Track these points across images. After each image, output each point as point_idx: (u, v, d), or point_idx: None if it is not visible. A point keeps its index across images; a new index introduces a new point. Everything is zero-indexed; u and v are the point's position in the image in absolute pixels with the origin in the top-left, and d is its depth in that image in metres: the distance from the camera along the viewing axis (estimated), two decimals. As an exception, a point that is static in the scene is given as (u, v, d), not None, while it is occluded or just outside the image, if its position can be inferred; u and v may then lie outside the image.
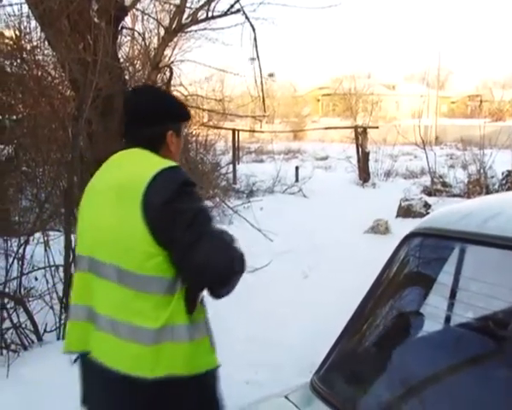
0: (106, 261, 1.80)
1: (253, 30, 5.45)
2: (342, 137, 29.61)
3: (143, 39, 5.40)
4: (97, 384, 1.86)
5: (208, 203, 10.38)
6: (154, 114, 1.97)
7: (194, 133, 8.77)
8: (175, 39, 5.27)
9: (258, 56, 5.50)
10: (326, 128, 21.45)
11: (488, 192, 10.03)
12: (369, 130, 16.89)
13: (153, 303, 1.74)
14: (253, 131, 15.73)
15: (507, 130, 28.13)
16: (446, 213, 1.83)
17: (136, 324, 1.74)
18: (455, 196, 10.79)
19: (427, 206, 9.84)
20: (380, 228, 8.52)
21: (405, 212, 9.74)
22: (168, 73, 5.37)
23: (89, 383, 1.92)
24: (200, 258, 1.71)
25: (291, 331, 4.73)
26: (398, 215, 9.65)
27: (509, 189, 9.47)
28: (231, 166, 13.26)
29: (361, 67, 49.21)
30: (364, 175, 15.54)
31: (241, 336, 4.72)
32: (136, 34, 5.39)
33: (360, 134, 16.34)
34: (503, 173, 9.94)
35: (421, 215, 9.52)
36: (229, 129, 13.52)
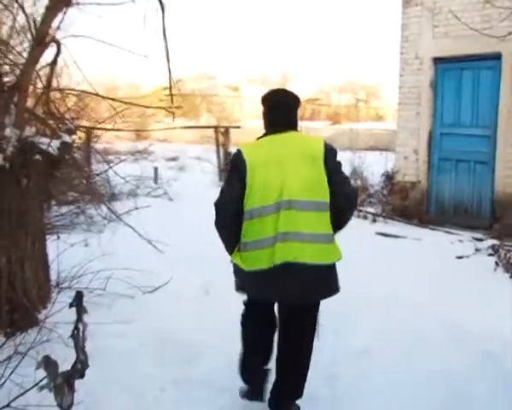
0: (305, 199, 2.96)
1: (162, 9, 4.54)
2: (195, 137, 28.98)
3: (23, 9, 4.23)
4: (299, 276, 2.95)
5: (71, 208, 9.09)
6: (297, 106, 3.27)
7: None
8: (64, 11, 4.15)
9: (166, 39, 4.59)
10: (186, 128, 20.66)
11: (370, 194, 9.99)
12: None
13: (327, 218, 3.03)
14: (117, 130, 14.21)
15: (347, 132, 29.71)
16: None
17: (325, 232, 3.03)
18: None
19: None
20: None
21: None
22: (55, 50, 4.29)
23: (287, 279, 2.93)
24: (349, 188, 3.19)
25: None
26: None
27: (390, 191, 9.44)
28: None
29: (205, 68, 48.92)
30: (228, 177, 15.00)
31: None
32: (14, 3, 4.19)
33: (223, 134, 15.82)
34: (382, 175, 9.91)
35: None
36: (86, 127, 12.10)
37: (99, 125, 7.42)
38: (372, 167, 11.41)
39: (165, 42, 4.63)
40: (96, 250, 6.31)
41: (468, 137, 8.59)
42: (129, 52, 4.51)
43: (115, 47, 4.49)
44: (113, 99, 5.27)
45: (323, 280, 3.07)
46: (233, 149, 15.94)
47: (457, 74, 8.69)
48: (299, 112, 3.34)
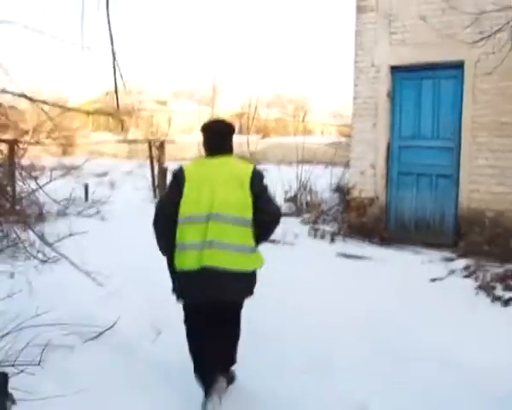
0: (227, 214, 3.50)
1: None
2: (123, 152, 27.75)
3: None
4: (216, 281, 3.44)
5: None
6: (232, 134, 3.85)
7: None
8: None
9: (111, 35, 3.72)
10: (120, 142, 19.60)
11: (323, 211, 9.35)
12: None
13: (248, 233, 3.55)
14: (38, 143, 12.86)
15: (278, 145, 29.38)
16: None
17: (245, 244, 3.53)
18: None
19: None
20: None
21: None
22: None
23: (205, 283, 3.46)
24: (272, 207, 3.74)
25: None
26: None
27: (346, 207, 8.84)
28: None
29: (132, 82, 47.64)
30: (164, 193, 14.08)
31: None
32: None
33: (157, 149, 14.89)
34: (335, 191, 9.31)
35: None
36: (7, 141, 10.88)
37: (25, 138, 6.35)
38: (319, 182, 10.88)
39: (112, 42, 3.76)
40: (22, 284, 5.31)
41: (429, 150, 8.11)
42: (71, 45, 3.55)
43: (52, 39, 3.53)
44: (57, 106, 4.26)
45: (239, 284, 3.55)
46: (169, 164, 15.14)
47: (417, 84, 8.20)
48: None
